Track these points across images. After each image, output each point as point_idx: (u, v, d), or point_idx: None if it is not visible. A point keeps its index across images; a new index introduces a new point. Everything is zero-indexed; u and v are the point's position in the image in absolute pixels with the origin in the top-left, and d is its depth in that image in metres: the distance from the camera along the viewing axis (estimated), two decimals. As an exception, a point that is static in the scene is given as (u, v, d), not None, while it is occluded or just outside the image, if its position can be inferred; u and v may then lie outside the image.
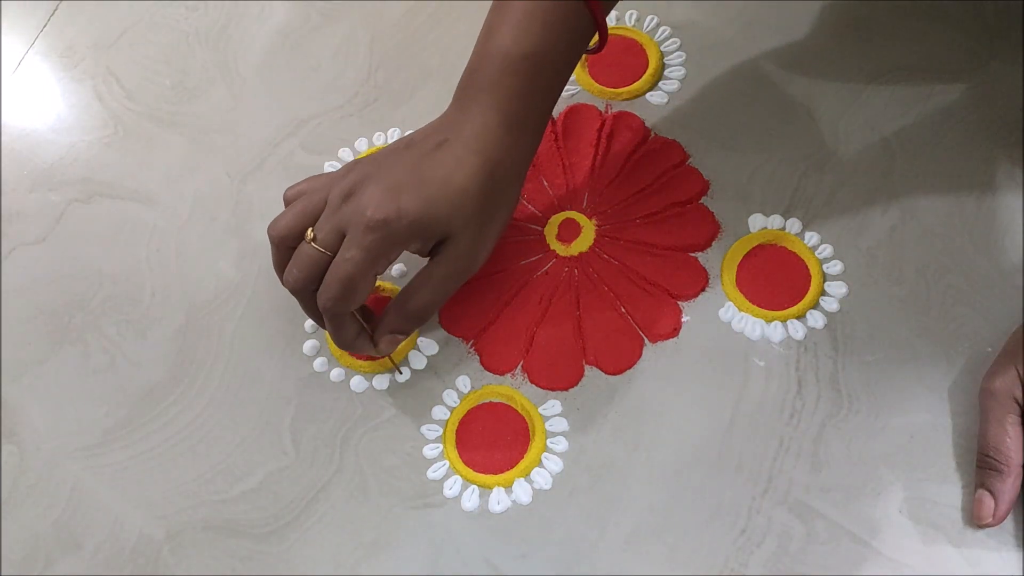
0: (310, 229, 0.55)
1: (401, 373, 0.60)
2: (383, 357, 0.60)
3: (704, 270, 0.61)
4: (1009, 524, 0.52)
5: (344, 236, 0.54)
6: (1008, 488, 0.51)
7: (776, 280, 0.60)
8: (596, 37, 0.59)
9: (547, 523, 0.55)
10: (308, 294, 0.56)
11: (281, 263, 0.57)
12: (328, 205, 0.55)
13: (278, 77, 0.72)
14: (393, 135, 0.68)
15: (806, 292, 0.59)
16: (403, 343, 0.61)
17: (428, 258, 0.57)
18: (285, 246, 0.56)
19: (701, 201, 0.63)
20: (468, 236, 0.55)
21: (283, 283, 0.56)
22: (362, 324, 0.57)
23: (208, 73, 0.74)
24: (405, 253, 0.56)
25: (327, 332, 0.59)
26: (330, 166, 0.68)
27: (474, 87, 0.56)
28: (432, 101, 0.69)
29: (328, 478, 0.58)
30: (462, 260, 0.56)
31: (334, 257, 0.54)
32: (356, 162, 0.57)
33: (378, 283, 0.63)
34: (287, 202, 0.58)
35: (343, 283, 0.53)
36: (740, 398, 0.57)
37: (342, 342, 0.57)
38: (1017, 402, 0.52)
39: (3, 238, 0.69)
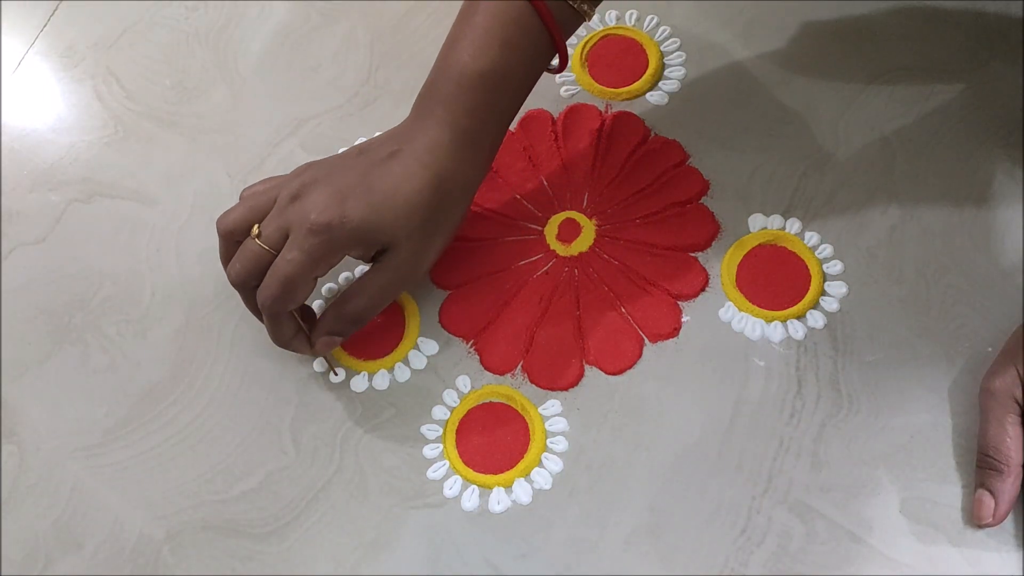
0: (256, 226, 0.56)
1: (336, 374, 0.61)
2: (317, 356, 0.60)
3: (704, 270, 0.61)
4: (1009, 524, 0.52)
5: (288, 236, 0.54)
6: (1008, 488, 0.51)
7: (776, 280, 0.60)
8: (557, 58, 0.59)
9: (547, 523, 0.55)
10: (249, 289, 0.57)
11: (227, 256, 0.58)
12: (276, 204, 0.56)
13: (278, 77, 0.72)
14: (393, 135, 0.68)
15: (806, 292, 0.59)
16: (403, 345, 0.61)
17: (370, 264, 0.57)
18: (232, 240, 0.57)
19: (701, 201, 0.63)
20: (410, 248, 0.55)
21: (227, 276, 0.57)
22: (300, 324, 0.58)
23: (208, 73, 0.74)
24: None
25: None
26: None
27: (431, 99, 0.57)
28: (432, 101, 0.69)
29: (328, 478, 0.58)
30: (402, 270, 0.56)
31: (277, 256, 0.55)
32: (309, 165, 0.58)
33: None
34: (242, 200, 0.58)
35: (282, 283, 0.54)
36: (740, 398, 0.57)
37: (279, 340, 0.58)
38: (1017, 402, 0.52)
39: (3, 238, 0.68)
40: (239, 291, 0.58)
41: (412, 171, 0.55)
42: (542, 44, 0.57)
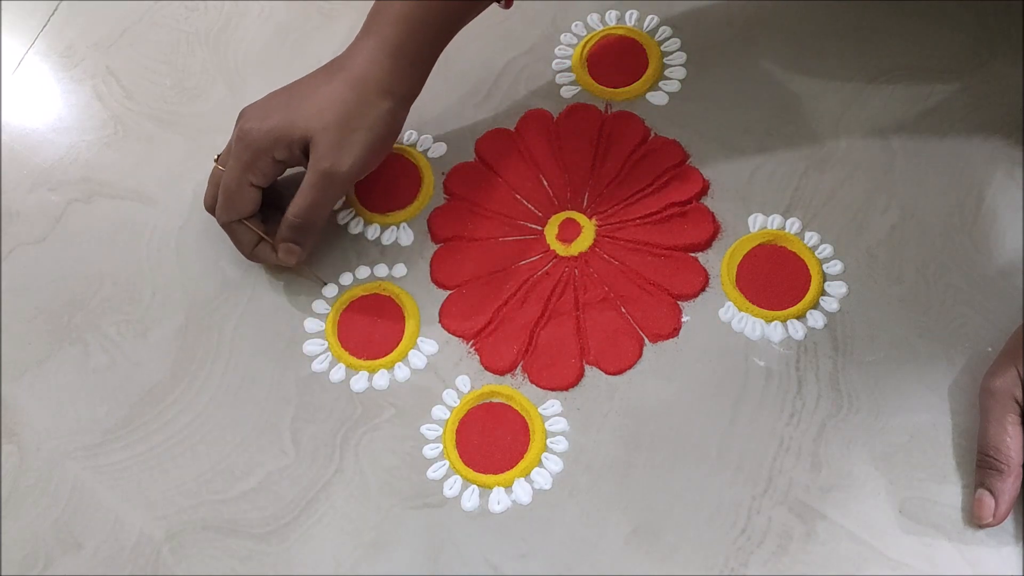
0: (218, 155, 0.64)
1: (325, 284, 0.64)
2: (287, 264, 0.62)
3: (704, 270, 0.61)
4: (1009, 524, 0.52)
5: None
6: (1008, 488, 0.51)
7: (776, 280, 0.60)
8: None
9: (547, 523, 0.55)
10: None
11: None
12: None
13: (278, 77, 0.72)
14: (393, 135, 0.69)
15: (806, 292, 0.59)
16: (403, 345, 0.61)
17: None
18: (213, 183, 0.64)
19: (701, 201, 0.63)
20: (327, 140, 0.59)
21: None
22: (261, 235, 0.62)
23: (208, 73, 0.74)
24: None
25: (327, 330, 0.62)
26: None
27: (367, 20, 0.62)
28: (431, 98, 0.69)
29: (328, 478, 0.58)
30: (323, 162, 0.59)
31: None
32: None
33: (381, 284, 0.63)
34: None
35: (222, 192, 0.61)
36: (740, 398, 0.57)
37: (242, 250, 0.63)
38: (1017, 402, 0.52)
39: (3, 238, 0.68)
40: (217, 220, 0.63)
41: (332, 76, 0.61)
42: None
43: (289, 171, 0.63)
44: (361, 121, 0.60)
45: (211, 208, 0.63)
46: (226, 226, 0.63)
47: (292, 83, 0.63)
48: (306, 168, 0.60)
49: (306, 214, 0.60)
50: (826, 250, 0.60)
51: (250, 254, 0.63)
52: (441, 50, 0.63)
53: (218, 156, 0.63)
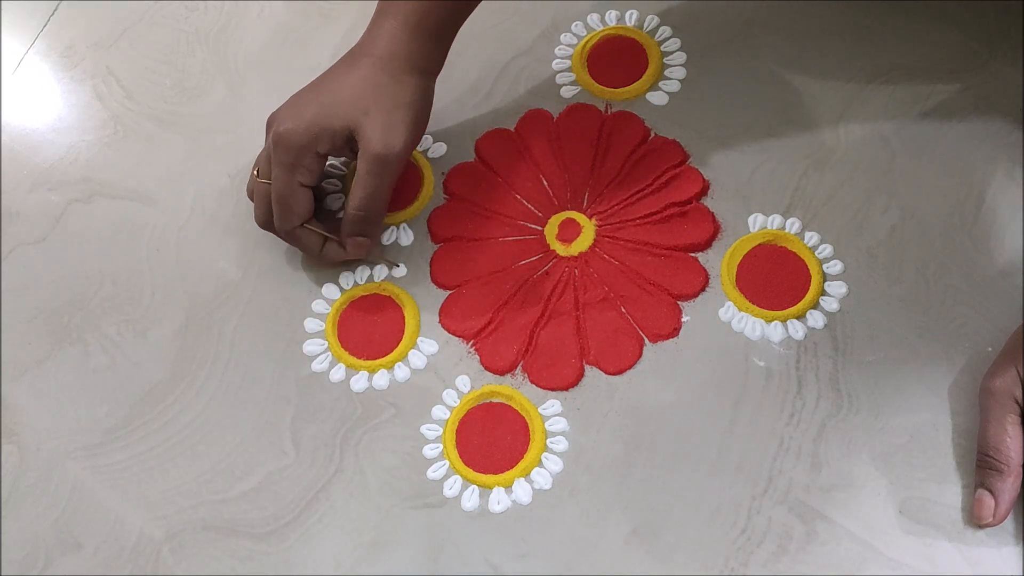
0: (254, 168, 0.63)
1: (398, 267, 0.64)
2: (355, 257, 0.62)
3: (704, 270, 0.61)
4: (1009, 524, 0.52)
5: None
6: (1008, 488, 0.51)
7: (776, 280, 0.60)
8: None
9: (547, 523, 0.55)
10: (272, 227, 0.62)
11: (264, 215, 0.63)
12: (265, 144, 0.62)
13: (278, 76, 0.72)
14: (393, 135, 0.69)
15: (806, 292, 0.59)
16: (403, 344, 0.61)
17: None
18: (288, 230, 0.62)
19: (701, 201, 0.63)
20: (372, 124, 0.59)
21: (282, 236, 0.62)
22: (325, 235, 0.62)
23: (208, 73, 0.74)
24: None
25: (327, 334, 0.62)
26: (330, 166, 0.68)
27: (380, 7, 0.62)
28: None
29: (328, 478, 0.58)
30: (374, 147, 0.59)
31: None
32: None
33: (381, 284, 0.63)
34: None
35: (276, 201, 0.60)
36: (740, 398, 0.57)
37: (312, 255, 0.62)
38: (1017, 402, 0.52)
39: (3, 238, 0.69)
40: (276, 234, 0.62)
41: (356, 62, 0.61)
42: None
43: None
44: (400, 99, 0.59)
45: (265, 223, 0.62)
46: (289, 234, 0.61)
47: (315, 80, 0.62)
48: (351, 158, 0.60)
49: (368, 204, 0.60)
50: (826, 250, 0.60)
51: (320, 256, 0.62)
52: (460, 23, 0.63)
53: (256, 171, 0.62)
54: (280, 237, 0.62)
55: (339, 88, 0.60)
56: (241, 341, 0.63)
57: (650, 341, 0.59)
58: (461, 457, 0.57)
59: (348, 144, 0.60)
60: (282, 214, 0.60)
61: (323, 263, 0.63)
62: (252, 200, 0.63)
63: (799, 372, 0.57)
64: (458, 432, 0.58)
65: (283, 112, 0.61)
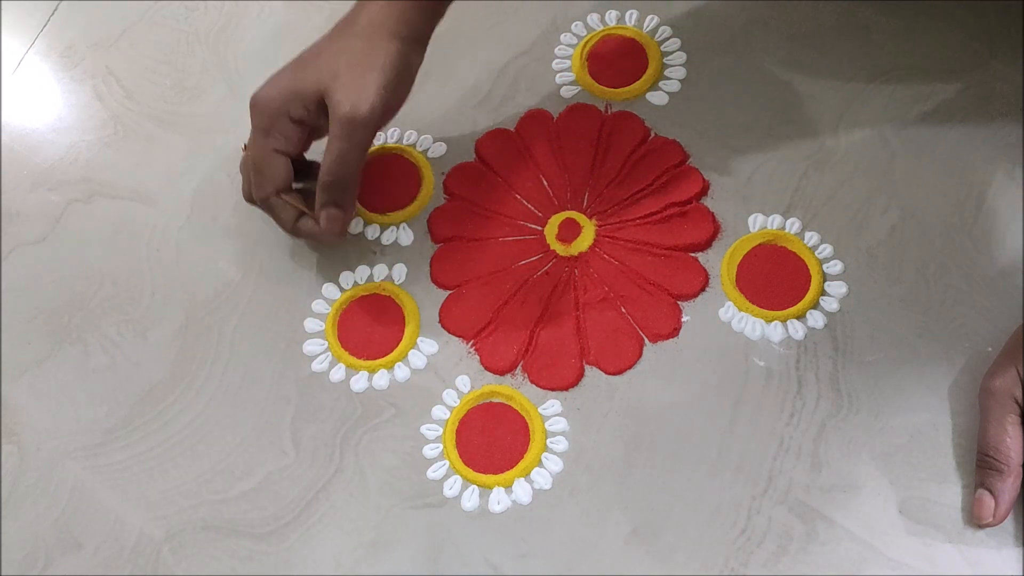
0: (244, 144, 0.62)
1: (375, 254, 0.64)
2: (334, 238, 0.61)
3: (704, 270, 0.61)
4: (1009, 524, 0.52)
5: None
6: (1008, 488, 0.51)
7: (776, 280, 0.60)
8: None
9: (547, 523, 0.55)
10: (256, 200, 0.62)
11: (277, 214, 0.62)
12: None
13: (278, 77, 0.72)
14: (393, 135, 0.68)
15: (806, 292, 0.59)
16: (403, 344, 0.61)
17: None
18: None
19: (701, 201, 0.63)
20: (340, 86, 0.58)
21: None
22: (301, 209, 0.61)
23: (208, 73, 0.74)
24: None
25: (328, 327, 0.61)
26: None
27: None
28: (430, 99, 0.69)
29: (328, 478, 0.58)
30: (342, 108, 0.58)
31: None
32: None
33: (381, 284, 0.63)
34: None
35: (252, 167, 0.60)
36: (740, 398, 0.57)
37: (286, 227, 0.62)
38: (1017, 402, 0.52)
39: (3, 238, 0.69)
40: (259, 207, 0.62)
41: (336, 33, 0.61)
42: None
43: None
44: (372, 63, 0.59)
45: (247, 195, 0.63)
46: (264, 203, 0.61)
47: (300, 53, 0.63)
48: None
49: (337, 168, 0.59)
50: (826, 250, 0.60)
51: (292, 229, 0.62)
52: None
53: (244, 145, 0.62)
54: (258, 207, 0.62)
55: (315, 56, 0.61)
56: (241, 341, 0.63)
57: (650, 341, 0.59)
58: (461, 457, 0.57)
59: (320, 109, 0.60)
60: (257, 181, 0.60)
61: (295, 235, 0.62)
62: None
63: (799, 372, 0.57)
64: (458, 432, 0.58)
65: (266, 84, 0.61)
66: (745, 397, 0.57)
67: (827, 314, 0.58)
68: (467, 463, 0.57)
